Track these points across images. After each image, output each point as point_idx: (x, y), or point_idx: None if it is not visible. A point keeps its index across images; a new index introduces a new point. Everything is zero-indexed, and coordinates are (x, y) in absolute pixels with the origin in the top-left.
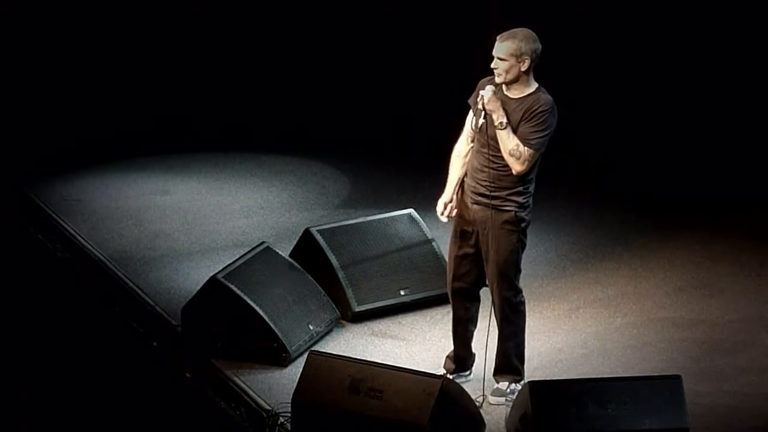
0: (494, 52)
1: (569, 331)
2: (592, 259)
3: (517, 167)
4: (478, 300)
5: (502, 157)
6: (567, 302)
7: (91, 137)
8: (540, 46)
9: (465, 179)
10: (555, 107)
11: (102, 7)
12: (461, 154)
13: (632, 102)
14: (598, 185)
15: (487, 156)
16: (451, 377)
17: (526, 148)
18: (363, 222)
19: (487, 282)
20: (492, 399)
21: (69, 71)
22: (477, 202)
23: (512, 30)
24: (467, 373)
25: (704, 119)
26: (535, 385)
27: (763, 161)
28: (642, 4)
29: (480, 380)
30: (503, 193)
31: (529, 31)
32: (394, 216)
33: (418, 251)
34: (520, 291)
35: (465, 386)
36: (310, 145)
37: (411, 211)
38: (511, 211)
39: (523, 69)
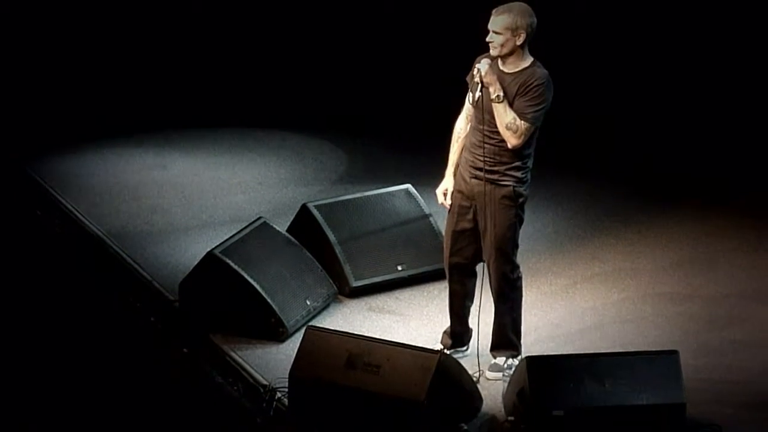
0: (489, 26)
1: (566, 307)
2: (589, 235)
3: (513, 141)
4: (474, 275)
5: (499, 132)
6: (564, 277)
7: (89, 113)
8: (535, 21)
9: (463, 154)
10: (550, 81)
11: None
12: (461, 135)
13: (630, 77)
14: (596, 160)
15: (483, 131)
16: (448, 352)
17: (522, 121)
18: (360, 197)
19: (483, 257)
20: (489, 374)
21: (66, 47)
22: (475, 176)
23: (508, 4)
24: (464, 348)
25: (703, 95)
26: (532, 361)
27: (760, 138)
28: None
29: (479, 355)
30: (501, 168)
31: (525, 5)
32: (392, 191)
33: (415, 226)
34: (518, 266)
35: (462, 361)
36: (307, 120)
37: (408, 186)
38: (509, 185)
39: (518, 43)
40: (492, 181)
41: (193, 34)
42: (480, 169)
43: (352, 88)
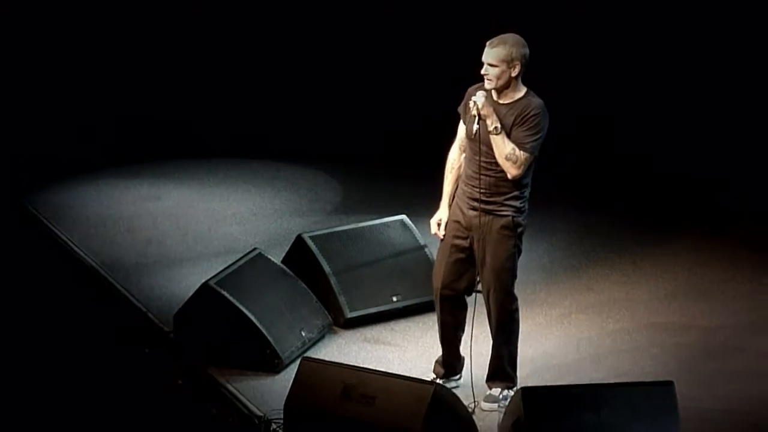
0: (484, 58)
1: (561, 337)
2: (584, 266)
3: (513, 171)
4: (466, 307)
5: (496, 163)
6: (559, 308)
7: (83, 144)
8: (528, 51)
9: (459, 185)
10: (546, 110)
11: (93, 16)
12: (454, 165)
13: (622, 107)
14: (590, 191)
15: (480, 162)
16: (441, 382)
17: (521, 152)
18: (355, 228)
19: (479, 288)
20: (485, 405)
21: (61, 79)
22: (473, 208)
23: (501, 35)
24: (457, 377)
25: (694, 125)
26: (527, 391)
27: (753, 168)
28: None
29: (474, 386)
30: (500, 199)
31: (518, 36)
32: (387, 222)
33: (410, 257)
34: (516, 298)
35: (457, 392)
36: (302, 151)
37: (403, 217)
38: (508, 215)
39: (513, 74)
40: (490, 212)
41: (187, 65)
42: (478, 200)
43: (347, 119)
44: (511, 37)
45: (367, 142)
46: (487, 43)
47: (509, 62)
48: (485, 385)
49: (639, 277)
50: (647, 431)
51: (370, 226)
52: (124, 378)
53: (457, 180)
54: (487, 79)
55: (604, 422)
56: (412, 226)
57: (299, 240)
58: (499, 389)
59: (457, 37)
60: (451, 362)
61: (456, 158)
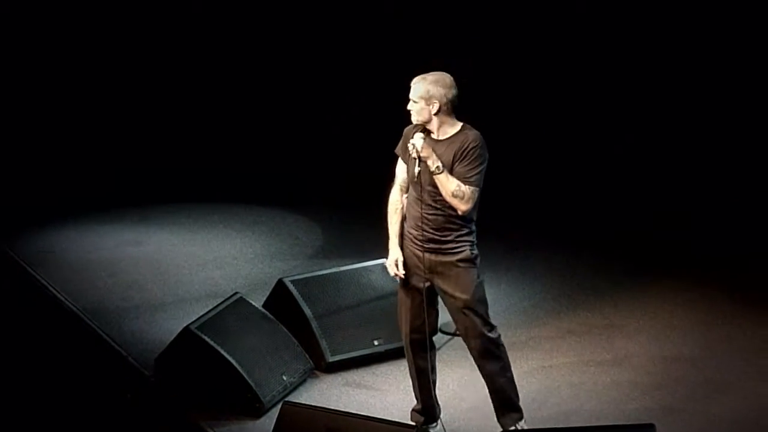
0: (410, 93)
1: (543, 381)
2: (565, 309)
3: (462, 207)
4: (434, 347)
5: (442, 202)
6: (540, 352)
7: (65, 189)
8: (455, 92)
9: (407, 230)
10: (483, 140)
11: (73, 58)
12: (397, 206)
13: (601, 151)
14: (570, 233)
15: (424, 202)
16: None
17: (467, 186)
18: (336, 272)
19: (457, 327)
20: None
21: (44, 124)
22: (428, 250)
23: (426, 73)
24: (435, 424)
25: (673, 165)
26: None
27: (733, 211)
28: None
29: (453, 429)
30: (452, 236)
31: (444, 75)
32: (368, 266)
33: (391, 301)
34: (494, 326)
35: None
36: (282, 196)
37: (384, 261)
38: (464, 249)
39: (433, 112)
40: (446, 251)
41: (168, 112)
42: (431, 240)
43: (327, 164)
44: (432, 75)
45: (348, 187)
46: (414, 79)
47: (427, 99)
48: (499, 424)
49: (620, 320)
50: None
51: (351, 270)
52: (105, 422)
53: (400, 221)
54: (411, 114)
55: None
56: None
57: (280, 284)
58: (514, 426)
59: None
60: (429, 408)
61: (398, 199)
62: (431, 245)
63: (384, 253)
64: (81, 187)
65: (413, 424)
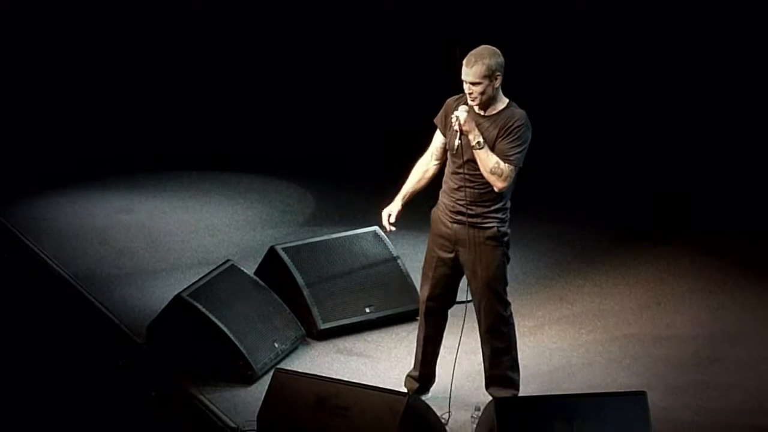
0: (464, 77)
1: (534, 348)
2: (557, 276)
3: (498, 184)
4: (446, 319)
5: (480, 176)
6: (532, 319)
7: (56, 156)
8: (503, 59)
9: (441, 199)
10: (529, 120)
11: (65, 28)
12: (421, 168)
13: (595, 118)
14: (562, 202)
15: (464, 176)
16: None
17: (506, 164)
18: (328, 240)
19: (473, 300)
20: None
21: (33, 92)
22: (457, 221)
23: (476, 51)
24: (428, 394)
25: (667, 134)
26: (500, 402)
27: (725, 178)
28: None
29: (446, 397)
30: (483, 210)
31: (491, 47)
32: (359, 234)
33: (383, 268)
34: (509, 304)
35: (430, 403)
36: (274, 163)
37: (376, 228)
38: (493, 227)
39: (497, 86)
40: (475, 225)
41: (159, 78)
42: (462, 213)
43: (319, 131)
44: (485, 50)
45: (340, 154)
46: (464, 62)
47: (491, 76)
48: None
49: (611, 287)
50: None
51: (342, 237)
52: (96, 390)
53: (418, 182)
54: (472, 98)
55: None
56: (385, 237)
57: (272, 252)
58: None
59: (433, 46)
60: (426, 377)
61: (425, 163)
62: (460, 217)
63: (374, 221)
64: (72, 154)
65: (405, 391)
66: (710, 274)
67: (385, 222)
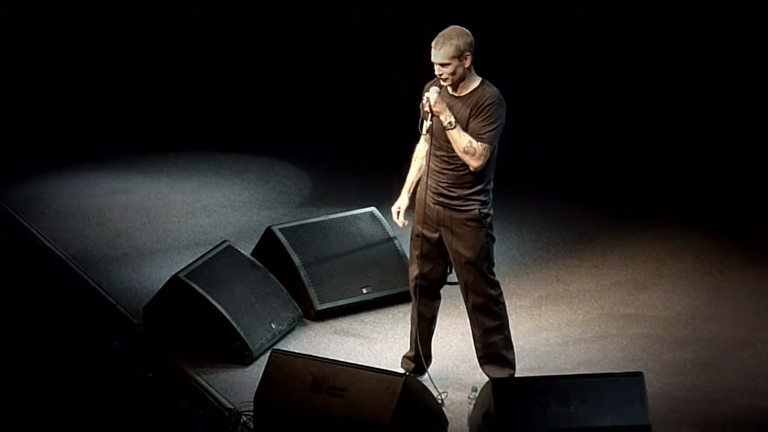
0: (434, 59)
1: (531, 329)
2: (553, 256)
3: (473, 163)
4: (439, 298)
5: (456, 157)
6: (528, 299)
7: (53, 137)
8: (473, 39)
9: (423, 178)
10: (502, 98)
11: (61, 10)
12: (418, 155)
13: (590, 98)
14: (559, 182)
15: (442, 157)
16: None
17: (479, 143)
18: (325, 220)
19: (456, 280)
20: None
21: (31, 73)
22: (438, 203)
23: (443, 32)
24: (424, 375)
25: (664, 114)
26: (497, 383)
27: (720, 159)
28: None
29: (442, 378)
30: (464, 193)
31: (460, 27)
32: (356, 214)
33: (380, 249)
34: (497, 283)
35: (427, 385)
36: (271, 144)
37: (373, 209)
38: (474, 209)
39: (467, 65)
40: (455, 207)
41: (156, 60)
42: (443, 195)
43: (316, 112)
44: (453, 30)
45: (336, 135)
46: (432, 44)
47: (459, 56)
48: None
49: (607, 267)
50: (617, 422)
51: (339, 218)
52: (93, 370)
53: (420, 170)
54: (442, 79)
55: (573, 413)
56: (382, 218)
57: (269, 232)
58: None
59: (428, 28)
60: (420, 357)
61: (421, 149)
62: (441, 199)
63: (370, 201)
64: (69, 135)
65: (401, 371)
66: (707, 254)
67: (395, 218)
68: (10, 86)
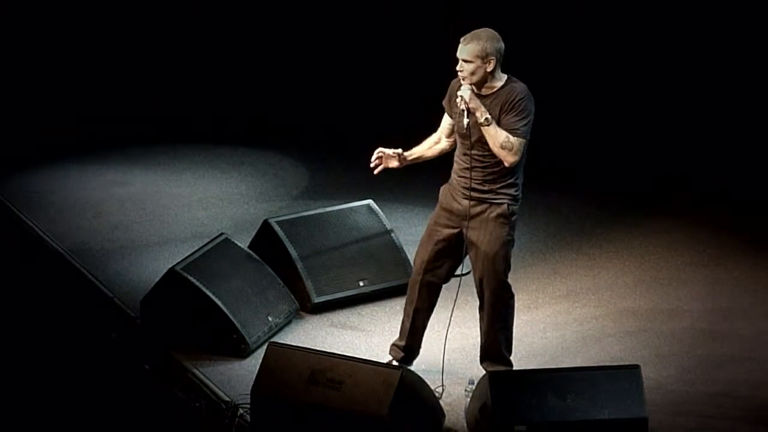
0: (459, 54)
1: (528, 322)
2: (551, 250)
3: (509, 159)
4: (439, 293)
5: (490, 154)
6: (526, 293)
7: (50, 129)
8: (503, 45)
9: (453, 176)
10: (530, 93)
11: (60, 1)
12: (433, 139)
13: (589, 91)
14: (557, 175)
15: (472, 156)
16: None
17: (515, 138)
18: (322, 213)
19: (474, 276)
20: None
21: (27, 64)
22: (468, 197)
23: (475, 31)
24: (410, 365)
25: (662, 107)
26: (494, 376)
27: (718, 151)
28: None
29: (439, 371)
30: (495, 187)
31: (492, 30)
32: (353, 207)
33: (377, 242)
34: (510, 286)
35: (425, 377)
36: (268, 136)
37: (370, 201)
38: (504, 203)
39: (489, 70)
40: (486, 200)
41: (152, 52)
42: (474, 189)
43: (313, 105)
44: (484, 32)
45: (334, 127)
46: (461, 39)
47: (483, 58)
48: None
49: (605, 261)
50: (614, 415)
51: (336, 210)
52: (90, 363)
53: (429, 149)
54: (462, 76)
55: (570, 406)
56: (379, 210)
57: (266, 225)
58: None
59: (430, 20)
60: (413, 349)
61: (437, 137)
62: (473, 194)
63: (368, 194)
64: (65, 127)
65: (397, 364)
66: (705, 247)
67: (373, 157)
68: (7, 79)
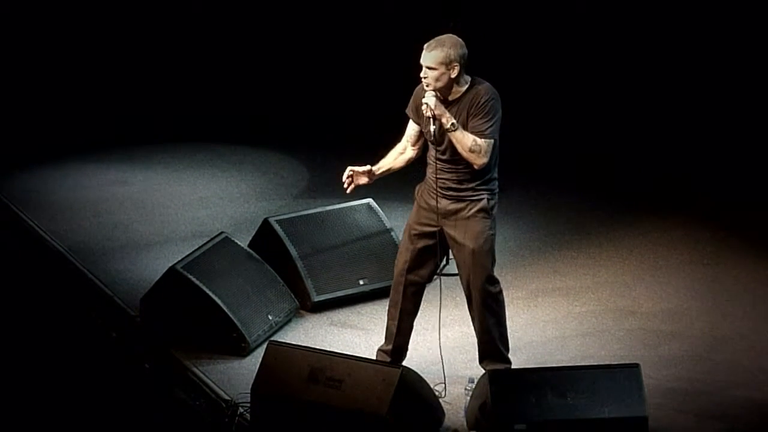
0: (422, 61)
1: (528, 320)
2: (550, 248)
3: (478, 161)
4: (422, 295)
5: (460, 159)
6: (525, 291)
7: (50, 128)
8: (467, 51)
9: (429, 176)
10: (496, 92)
11: (59, 2)
12: (397, 150)
13: (587, 90)
14: (557, 174)
15: (441, 161)
16: None
17: (482, 140)
18: (322, 212)
19: (461, 274)
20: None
21: (26, 62)
22: (446, 197)
23: (438, 38)
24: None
25: (661, 107)
26: (494, 374)
27: (717, 150)
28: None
29: (439, 369)
30: (472, 185)
31: (456, 37)
32: (353, 206)
33: (376, 241)
34: (497, 281)
35: (424, 376)
36: (268, 135)
37: (370, 200)
38: (483, 198)
39: (453, 76)
40: (464, 198)
41: (153, 51)
42: (451, 189)
43: (313, 103)
44: (448, 38)
45: (333, 126)
46: (425, 46)
47: (447, 64)
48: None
49: (605, 259)
50: (614, 413)
51: (336, 209)
52: (90, 362)
53: (395, 161)
54: (426, 82)
55: (570, 405)
56: (379, 209)
57: (265, 224)
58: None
59: (429, 17)
60: (399, 352)
61: (402, 146)
62: (450, 193)
63: (367, 193)
64: (66, 126)
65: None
66: (704, 246)
67: (344, 176)
68: (7, 78)
